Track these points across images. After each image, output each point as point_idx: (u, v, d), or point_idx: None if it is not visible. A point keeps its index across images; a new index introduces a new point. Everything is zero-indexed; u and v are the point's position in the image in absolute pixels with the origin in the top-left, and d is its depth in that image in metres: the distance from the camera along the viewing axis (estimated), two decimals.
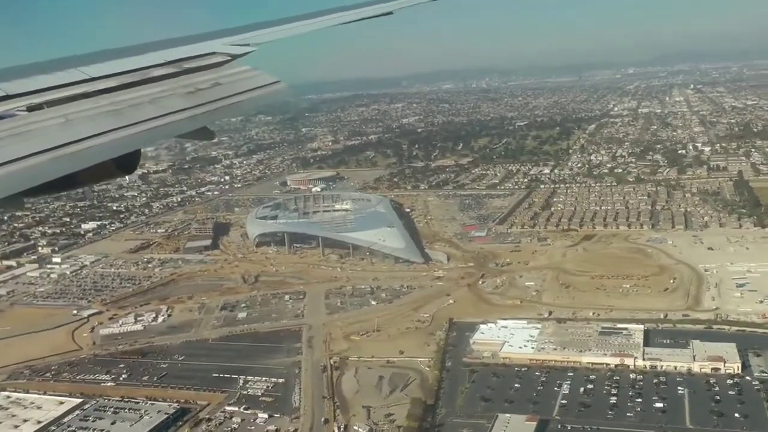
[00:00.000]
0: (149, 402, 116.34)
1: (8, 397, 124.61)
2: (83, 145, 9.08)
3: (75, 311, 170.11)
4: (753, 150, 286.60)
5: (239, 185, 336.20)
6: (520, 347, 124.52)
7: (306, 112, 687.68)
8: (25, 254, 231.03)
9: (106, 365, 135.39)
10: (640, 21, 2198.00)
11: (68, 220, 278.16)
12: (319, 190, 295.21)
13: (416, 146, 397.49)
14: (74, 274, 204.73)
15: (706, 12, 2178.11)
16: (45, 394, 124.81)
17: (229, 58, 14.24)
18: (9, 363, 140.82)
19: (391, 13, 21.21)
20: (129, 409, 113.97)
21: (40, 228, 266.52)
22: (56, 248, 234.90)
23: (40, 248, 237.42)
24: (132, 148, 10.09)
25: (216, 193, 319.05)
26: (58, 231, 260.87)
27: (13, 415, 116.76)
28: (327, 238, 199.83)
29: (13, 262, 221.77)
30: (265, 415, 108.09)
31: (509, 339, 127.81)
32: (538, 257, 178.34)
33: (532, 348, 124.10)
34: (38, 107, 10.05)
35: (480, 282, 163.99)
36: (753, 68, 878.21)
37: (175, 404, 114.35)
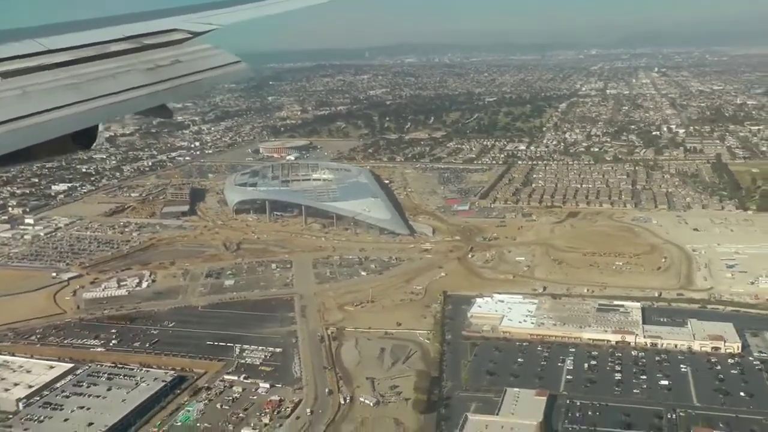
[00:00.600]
0: (144, 369, 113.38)
1: (5, 362, 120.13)
2: (41, 118, 8.99)
3: (54, 274, 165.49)
4: (727, 134, 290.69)
5: (210, 151, 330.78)
6: (520, 322, 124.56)
7: (270, 81, 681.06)
8: None
9: (93, 330, 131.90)
10: (603, 3, 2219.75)
11: (37, 180, 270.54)
12: (293, 158, 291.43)
13: (387, 118, 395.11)
14: (49, 236, 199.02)
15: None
16: (32, 357, 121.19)
17: (190, 35, 14.14)
18: None
19: None
20: (124, 376, 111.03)
21: (8, 188, 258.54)
22: (27, 209, 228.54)
23: (10, 209, 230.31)
24: (90, 123, 9.99)
25: (187, 158, 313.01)
26: (28, 192, 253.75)
27: (2, 378, 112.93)
28: (310, 207, 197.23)
29: None
30: (267, 385, 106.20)
31: (507, 313, 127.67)
32: (525, 233, 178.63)
33: (532, 323, 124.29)
34: None
35: (470, 256, 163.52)
36: (715, 54, 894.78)
37: (172, 372, 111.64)
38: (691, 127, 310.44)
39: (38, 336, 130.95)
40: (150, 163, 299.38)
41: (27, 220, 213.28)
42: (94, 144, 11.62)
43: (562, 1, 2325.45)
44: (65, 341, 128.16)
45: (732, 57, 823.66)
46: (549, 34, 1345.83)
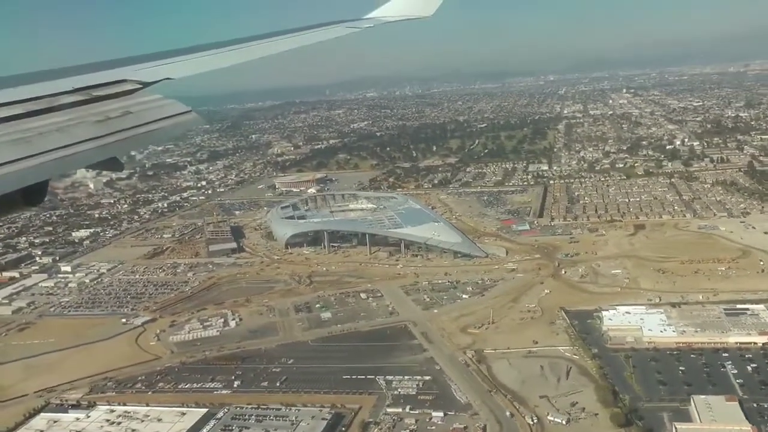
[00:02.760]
0: (293, 408, 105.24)
1: (112, 410, 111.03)
2: None
3: (124, 320, 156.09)
4: (744, 145, 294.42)
5: (222, 189, 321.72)
6: (661, 331, 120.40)
7: (244, 120, 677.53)
8: (23, 264, 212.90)
9: (203, 372, 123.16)
10: (554, 30, 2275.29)
11: (51, 229, 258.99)
12: (314, 191, 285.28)
13: (388, 149, 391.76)
14: (95, 282, 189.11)
15: (618, 21, 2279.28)
16: (147, 405, 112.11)
17: (140, 86, 13.93)
18: (82, 376, 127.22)
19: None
20: (274, 417, 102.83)
21: (24, 238, 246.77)
22: (57, 257, 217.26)
23: (38, 258, 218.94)
24: (40, 179, 9.68)
25: (202, 197, 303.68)
26: (47, 240, 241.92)
27: (134, 430, 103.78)
28: (373, 236, 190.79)
29: (15, 273, 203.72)
30: (440, 414, 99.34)
31: (642, 324, 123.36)
32: (601, 247, 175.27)
33: (673, 332, 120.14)
34: None
35: (562, 272, 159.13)
36: (672, 74, 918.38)
37: (326, 409, 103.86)
38: (703, 140, 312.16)
39: (144, 383, 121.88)
40: (165, 204, 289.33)
41: (64, 268, 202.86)
42: (44, 200, 10.78)
43: (513, 29, 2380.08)
44: (179, 386, 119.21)
45: (691, 76, 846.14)
46: (503, 61, 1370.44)
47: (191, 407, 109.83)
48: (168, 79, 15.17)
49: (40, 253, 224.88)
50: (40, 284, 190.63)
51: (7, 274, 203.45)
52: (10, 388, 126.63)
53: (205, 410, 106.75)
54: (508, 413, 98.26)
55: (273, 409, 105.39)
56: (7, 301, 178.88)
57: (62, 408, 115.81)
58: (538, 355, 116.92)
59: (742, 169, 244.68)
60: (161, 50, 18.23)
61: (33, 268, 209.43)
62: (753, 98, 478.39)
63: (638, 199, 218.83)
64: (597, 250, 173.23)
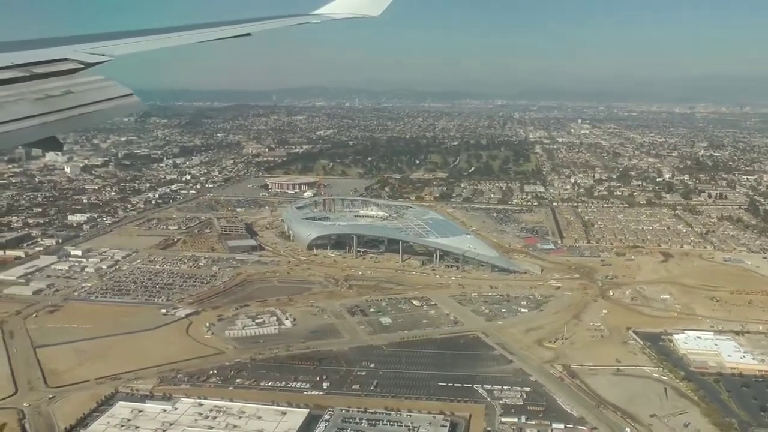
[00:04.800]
0: (403, 413, 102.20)
1: (200, 404, 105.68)
2: None
3: (163, 311, 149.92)
4: (735, 183, 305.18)
5: (210, 185, 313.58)
6: (741, 357, 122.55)
7: (201, 118, 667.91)
8: (24, 245, 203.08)
9: (281, 371, 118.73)
10: (503, 56, 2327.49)
11: (41, 210, 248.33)
12: (311, 194, 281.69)
13: (369, 158, 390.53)
14: (113, 269, 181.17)
15: (567, 54, 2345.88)
16: (231, 400, 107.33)
17: (82, 66, 13.85)
18: (143, 365, 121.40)
19: (249, 34, 21.77)
20: (387, 421, 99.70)
21: (16, 217, 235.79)
22: (60, 240, 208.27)
23: (39, 239, 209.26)
24: None
25: (192, 192, 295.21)
26: (42, 222, 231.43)
27: (235, 426, 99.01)
28: (401, 243, 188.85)
29: (20, 253, 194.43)
30: (561, 426, 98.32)
31: (719, 350, 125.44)
32: (637, 272, 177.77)
33: (753, 359, 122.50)
34: None
35: (610, 293, 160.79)
36: (619, 109, 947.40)
37: (440, 415, 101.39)
38: (692, 176, 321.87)
39: (219, 378, 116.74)
40: (156, 196, 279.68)
41: (73, 252, 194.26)
42: None
43: (463, 54, 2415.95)
44: (260, 383, 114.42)
45: (639, 113, 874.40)
46: (452, 82, 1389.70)
47: (283, 405, 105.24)
48: (108, 60, 14.98)
49: (39, 234, 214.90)
50: (52, 266, 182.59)
51: (11, 253, 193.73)
52: (66, 373, 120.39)
53: (306, 410, 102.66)
54: (628, 430, 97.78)
55: (382, 413, 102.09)
56: (23, 281, 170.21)
57: (135, 397, 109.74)
58: (627, 374, 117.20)
59: (742, 207, 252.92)
60: (102, 32, 18.12)
61: (37, 249, 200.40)
62: (713, 139, 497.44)
63: (651, 228, 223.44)
64: (633, 274, 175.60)
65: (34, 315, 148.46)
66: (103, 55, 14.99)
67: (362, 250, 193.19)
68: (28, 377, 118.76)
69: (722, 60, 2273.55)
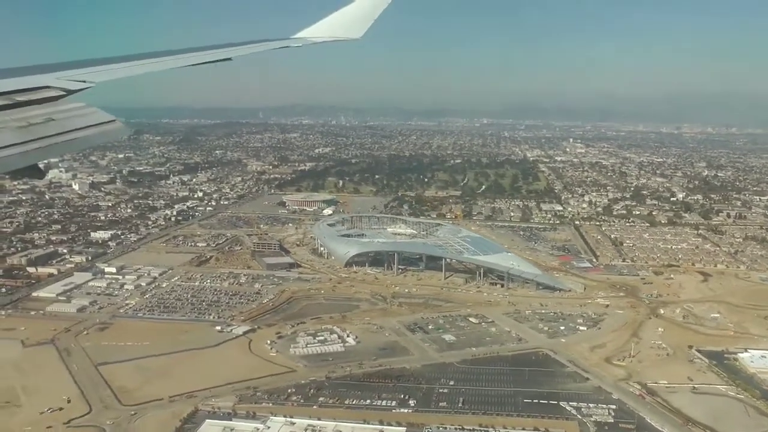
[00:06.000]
0: (501, 430, 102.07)
1: (291, 422, 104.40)
2: None
3: (218, 328, 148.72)
4: (750, 204, 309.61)
5: (225, 202, 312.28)
6: None
7: (194, 136, 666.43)
8: (52, 262, 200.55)
9: (361, 389, 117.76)
10: (487, 75, 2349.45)
11: (59, 227, 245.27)
12: (330, 212, 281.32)
13: (377, 176, 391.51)
14: (153, 286, 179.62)
15: (547, 72, 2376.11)
16: (319, 419, 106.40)
17: (64, 93, 13.96)
18: (216, 384, 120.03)
19: (230, 59, 22.12)
20: None
21: (37, 234, 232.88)
22: (89, 257, 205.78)
23: (67, 256, 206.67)
24: None
25: (209, 209, 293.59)
26: (65, 239, 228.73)
27: None
28: (441, 260, 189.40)
29: (52, 270, 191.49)
30: None
31: None
32: (680, 290, 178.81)
33: None
34: None
35: (660, 311, 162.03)
36: (604, 128, 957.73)
37: None
38: (706, 196, 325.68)
39: (300, 396, 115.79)
40: (174, 212, 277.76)
41: (108, 269, 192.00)
42: None
43: (445, 73, 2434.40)
44: (345, 402, 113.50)
45: (628, 132, 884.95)
46: (436, 101, 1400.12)
47: (374, 424, 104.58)
48: (90, 86, 15.15)
49: (66, 251, 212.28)
50: (89, 283, 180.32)
51: (43, 270, 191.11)
52: (136, 391, 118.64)
53: (403, 429, 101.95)
54: None
55: (479, 429, 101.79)
56: (64, 298, 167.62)
57: (218, 416, 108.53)
58: (703, 392, 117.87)
59: (763, 227, 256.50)
60: (83, 59, 18.44)
61: (68, 265, 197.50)
62: (709, 159, 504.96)
63: (680, 247, 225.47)
64: (677, 292, 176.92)
65: (84, 332, 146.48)
66: (85, 81, 15.10)
67: (402, 267, 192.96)
68: (99, 395, 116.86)
69: (704, 80, 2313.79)
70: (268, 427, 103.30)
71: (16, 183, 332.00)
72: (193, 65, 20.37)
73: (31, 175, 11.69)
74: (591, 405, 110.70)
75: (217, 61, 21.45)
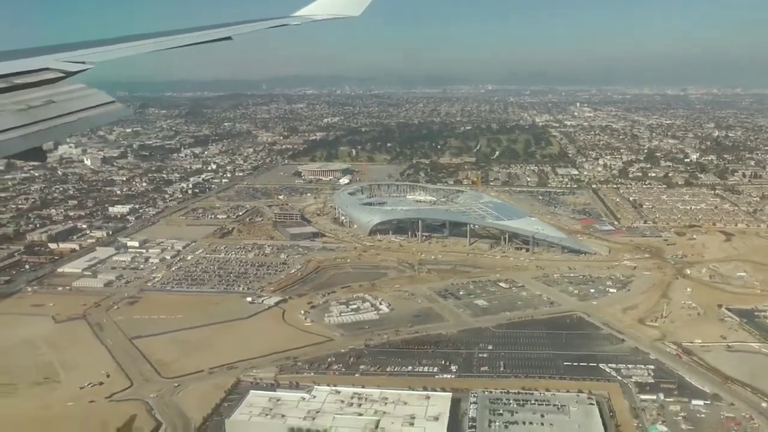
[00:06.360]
0: (546, 393, 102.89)
1: (337, 391, 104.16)
2: None
3: (249, 299, 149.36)
4: (761, 162, 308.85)
5: (241, 174, 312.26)
6: None
7: (200, 108, 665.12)
8: (72, 237, 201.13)
9: (401, 356, 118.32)
10: (490, 40, 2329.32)
11: (76, 202, 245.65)
12: (347, 181, 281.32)
13: (389, 144, 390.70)
14: (178, 259, 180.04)
15: (552, 38, 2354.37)
16: (362, 387, 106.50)
17: (63, 75, 13.86)
18: (255, 355, 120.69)
19: (230, 38, 22.11)
20: (535, 401, 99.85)
21: (54, 210, 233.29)
22: (110, 231, 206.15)
23: (88, 231, 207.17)
24: None
25: (225, 181, 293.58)
26: (83, 214, 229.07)
27: (385, 412, 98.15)
28: (456, 227, 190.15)
29: (74, 245, 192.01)
30: (701, 402, 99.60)
31: None
32: (704, 250, 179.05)
33: None
34: None
35: (687, 272, 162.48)
36: (610, 92, 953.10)
37: (582, 394, 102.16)
38: (719, 156, 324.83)
39: (341, 365, 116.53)
40: (190, 185, 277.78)
41: (130, 243, 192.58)
42: None
43: (452, 37, 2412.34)
44: (386, 369, 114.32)
45: (634, 95, 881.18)
46: (441, 67, 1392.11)
47: (419, 390, 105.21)
48: (90, 67, 15.03)
49: (86, 226, 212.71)
50: (113, 258, 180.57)
51: (64, 245, 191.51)
52: (174, 364, 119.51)
53: (449, 394, 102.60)
54: (765, 404, 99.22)
55: (527, 393, 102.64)
56: (90, 274, 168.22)
57: (261, 386, 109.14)
58: (738, 350, 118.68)
59: None
60: (82, 40, 18.33)
61: (89, 241, 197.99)
62: (718, 120, 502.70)
63: (699, 207, 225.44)
64: (701, 253, 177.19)
65: (115, 307, 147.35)
66: (84, 63, 14.98)
67: (426, 234, 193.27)
68: (138, 369, 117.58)
69: (708, 41, 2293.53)
70: (314, 397, 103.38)
71: None
72: (192, 44, 20.31)
73: (32, 158, 11.66)
74: (630, 366, 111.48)
75: (217, 40, 21.52)
